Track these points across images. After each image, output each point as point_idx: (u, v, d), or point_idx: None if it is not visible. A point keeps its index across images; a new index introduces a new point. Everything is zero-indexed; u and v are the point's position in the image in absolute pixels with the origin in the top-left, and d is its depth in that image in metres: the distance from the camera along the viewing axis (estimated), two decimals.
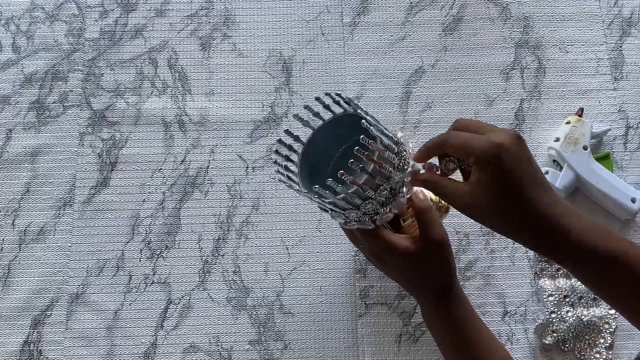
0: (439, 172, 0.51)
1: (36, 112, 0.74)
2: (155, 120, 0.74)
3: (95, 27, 0.77)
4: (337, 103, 0.51)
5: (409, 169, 0.50)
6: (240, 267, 0.69)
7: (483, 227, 0.69)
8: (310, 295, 0.69)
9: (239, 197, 0.72)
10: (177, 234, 0.70)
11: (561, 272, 0.68)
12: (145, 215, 0.71)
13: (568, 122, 0.70)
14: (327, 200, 0.49)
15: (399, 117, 0.74)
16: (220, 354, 0.67)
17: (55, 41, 0.77)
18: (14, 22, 0.78)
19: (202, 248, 0.70)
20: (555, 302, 0.67)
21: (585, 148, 0.69)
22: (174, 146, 0.73)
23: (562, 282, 0.67)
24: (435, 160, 0.52)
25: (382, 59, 0.76)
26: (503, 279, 0.69)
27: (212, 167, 0.73)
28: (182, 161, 0.73)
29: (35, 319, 0.68)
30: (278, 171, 0.52)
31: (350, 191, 0.48)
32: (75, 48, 0.77)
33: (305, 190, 0.51)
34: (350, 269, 0.69)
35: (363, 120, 0.47)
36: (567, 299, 0.67)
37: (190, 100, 0.75)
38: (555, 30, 0.77)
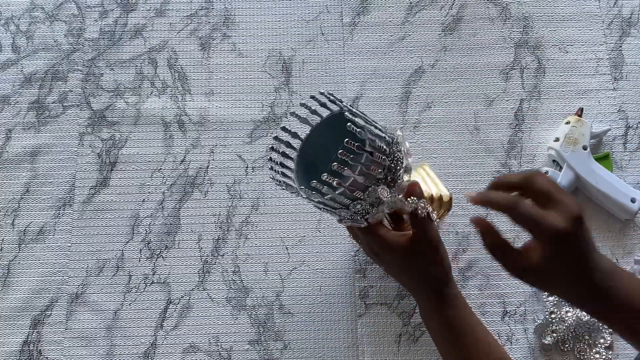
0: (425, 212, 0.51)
1: (36, 112, 0.74)
2: (155, 120, 0.74)
3: (95, 27, 0.77)
4: (333, 102, 0.51)
5: (401, 180, 0.50)
6: (240, 267, 0.69)
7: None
8: (310, 295, 0.69)
9: (238, 197, 0.72)
10: (176, 234, 0.70)
11: None
12: (145, 215, 0.71)
13: (568, 122, 0.70)
14: (316, 200, 0.50)
15: (398, 117, 0.74)
16: (220, 354, 0.67)
17: (55, 41, 0.77)
18: (13, 22, 0.78)
19: (201, 248, 0.70)
20: (555, 302, 0.67)
21: (585, 148, 0.69)
22: (173, 146, 0.73)
23: None
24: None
25: (382, 59, 0.76)
26: (503, 279, 0.69)
27: (212, 167, 0.73)
28: (182, 161, 0.73)
29: (35, 319, 0.68)
30: (272, 168, 0.52)
31: (337, 192, 0.48)
32: (75, 48, 0.77)
33: (296, 188, 0.51)
34: (350, 269, 0.69)
35: (349, 123, 0.47)
36: None
37: (190, 100, 0.75)
38: (555, 30, 0.77)
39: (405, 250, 0.52)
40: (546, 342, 0.66)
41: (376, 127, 0.51)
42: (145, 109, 0.74)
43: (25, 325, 0.67)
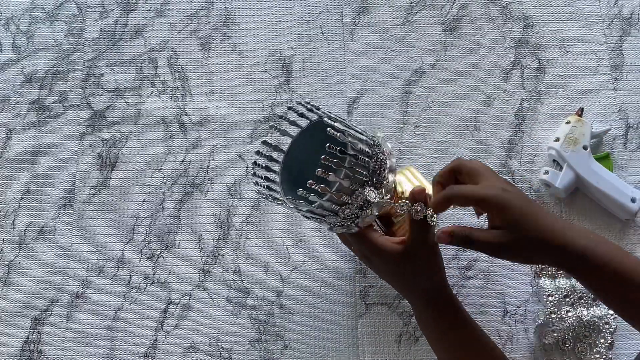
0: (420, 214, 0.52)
1: (36, 112, 0.74)
2: (155, 120, 0.74)
3: (95, 27, 0.77)
4: (311, 110, 0.51)
5: (388, 181, 0.51)
6: (240, 267, 0.69)
7: (483, 227, 0.69)
8: (310, 295, 0.69)
9: (238, 197, 0.72)
10: (177, 234, 0.70)
11: (561, 272, 0.68)
12: (145, 215, 0.71)
13: (568, 122, 0.70)
14: (304, 209, 0.49)
15: (398, 117, 0.74)
16: (220, 354, 0.67)
17: (55, 41, 0.77)
18: (14, 22, 0.78)
19: (202, 248, 0.70)
20: (555, 302, 0.67)
21: (585, 148, 0.69)
22: (174, 146, 0.73)
23: (562, 282, 0.67)
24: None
25: (382, 59, 0.76)
26: (503, 279, 0.69)
27: (212, 167, 0.73)
28: (182, 161, 0.73)
29: (35, 319, 0.68)
30: (257, 183, 0.52)
31: (324, 199, 0.48)
32: (75, 48, 0.77)
33: (282, 200, 0.51)
34: (350, 269, 0.69)
35: (329, 128, 0.47)
36: (567, 299, 0.67)
37: (190, 100, 0.75)
38: (555, 30, 0.77)
39: (398, 255, 0.52)
40: (546, 342, 0.66)
41: (356, 131, 0.51)
42: (145, 109, 0.74)
43: (25, 325, 0.68)
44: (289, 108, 0.52)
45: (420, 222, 0.52)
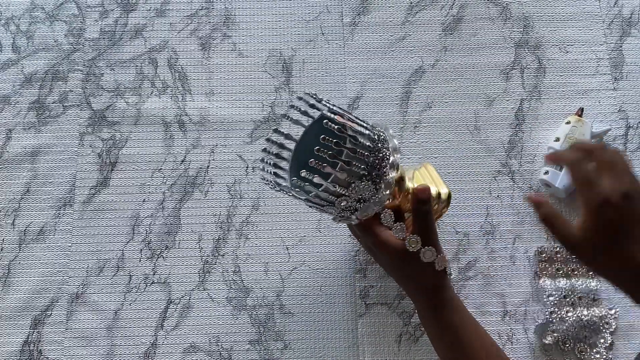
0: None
1: (36, 112, 0.74)
2: (155, 120, 0.74)
3: (95, 27, 0.77)
4: (320, 101, 0.52)
5: (389, 178, 0.51)
6: (240, 267, 0.69)
7: (483, 227, 0.70)
8: (310, 295, 0.69)
9: (239, 197, 0.72)
10: (177, 234, 0.70)
11: (561, 272, 0.68)
12: (145, 215, 0.71)
13: (568, 122, 0.70)
14: (302, 197, 0.50)
15: (399, 117, 0.74)
16: (220, 354, 0.67)
17: (55, 41, 0.77)
18: (14, 22, 0.78)
19: (202, 248, 0.70)
20: (555, 302, 0.67)
21: None
22: (174, 146, 0.73)
23: (562, 282, 0.67)
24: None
25: (382, 59, 0.76)
26: (503, 279, 0.69)
27: (212, 167, 0.73)
28: (182, 161, 0.73)
29: (35, 319, 0.68)
30: (263, 168, 0.52)
31: (320, 189, 0.48)
32: (75, 48, 0.77)
33: (287, 185, 0.51)
34: (350, 269, 0.69)
35: (325, 120, 0.47)
36: (567, 299, 0.67)
37: (190, 100, 0.75)
38: (555, 30, 0.77)
39: (401, 251, 0.52)
40: (546, 342, 0.66)
41: (360, 125, 0.51)
42: (145, 109, 0.74)
43: (25, 325, 0.68)
44: (299, 98, 0.52)
45: (424, 220, 0.53)
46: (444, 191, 0.63)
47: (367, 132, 0.51)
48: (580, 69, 0.76)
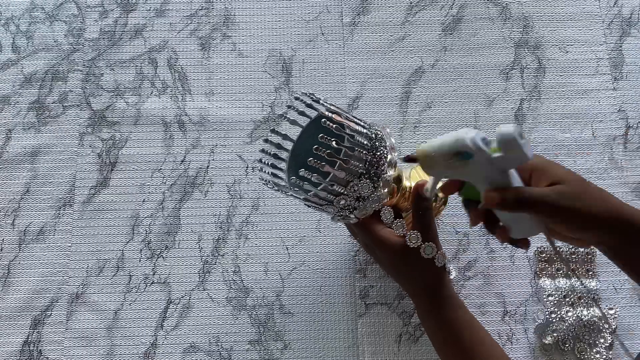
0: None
1: (36, 112, 0.74)
2: (155, 120, 0.74)
3: (95, 27, 0.77)
4: (317, 101, 0.52)
5: (386, 175, 0.51)
6: (240, 267, 0.69)
7: (482, 226, 0.70)
8: (310, 295, 0.69)
9: (238, 197, 0.72)
10: (177, 234, 0.70)
11: (561, 272, 0.68)
12: (145, 215, 0.71)
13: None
14: (301, 197, 0.50)
15: (398, 117, 0.74)
16: (220, 354, 0.67)
17: (55, 41, 0.77)
18: (14, 22, 0.78)
19: (202, 248, 0.70)
20: (555, 302, 0.67)
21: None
22: (173, 146, 0.73)
23: (562, 282, 0.68)
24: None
25: (382, 59, 0.76)
26: (503, 279, 0.69)
27: (212, 167, 0.73)
28: (182, 161, 0.73)
29: (36, 319, 0.68)
30: (261, 169, 0.53)
31: (319, 188, 0.48)
32: (75, 48, 0.77)
33: (285, 184, 0.51)
34: (350, 269, 0.69)
35: (323, 119, 0.48)
36: (567, 299, 0.67)
37: (190, 100, 0.75)
38: (555, 30, 0.77)
39: (399, 249, 0.53)
40: (546, 342, 0.66)
41: (357, 124, 0.51)
42: (145, 109, 0.74)
43: (25, 325, 0.68)
44: (296, 99, 0.52)
45: (422, 218, 0.53)
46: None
47: (364, 130, 0.51)
48: (580, 69, 0.76)
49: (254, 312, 0.68)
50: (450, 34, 0.77)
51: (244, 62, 0.76)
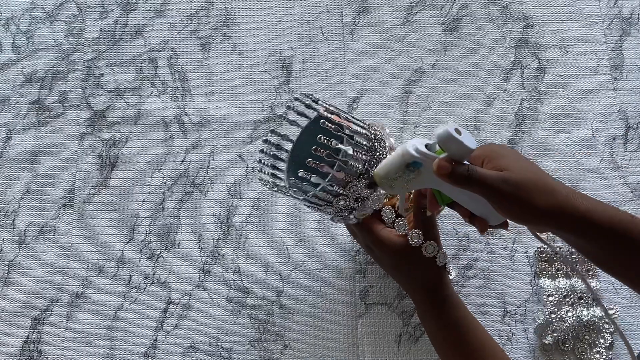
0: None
1: (36, 112, 0.74)
2: (155, 120, 0.74)
3: (95, 27, 0.77)
4: (316, 102, 0.52)
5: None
6: (240, 267, 0.69)
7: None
8: (310, 295, 0.69)
9: (238, 197, 0.72)
10: (177, 234, 0.70)
11: (561, 272, 0.68)
12: (145, 216, 0.71)
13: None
14: (300, 197, 0.50)
15: (398, 117, 0.74)
16: (220, 354, 0.67)
17: (55, 41, 0.77)
18: (14, 22, 0.78)
19: (202, 248, 0.70)
20: (555, 302, 0.67)
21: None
22: (173, 146, 0.73)
23: (562, 282, 0.68)
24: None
25: (382, 59, 0.76)
26: (503, 279, 0.69)
27: (212, 167, 0.73)
28: (182, 161, 0.73)
29: (36, 319, 0.68)
30: (261, 170, 0.53)
31: (318, 189, 0.48)
32: (75, 48, 0.77)
33: (285, 185, 0.51)
34: (350, 269, 0.69)
35: (322, 120, 0.48)
36: (567, 299, 0.67)
37: (190, 101, 0.75)
38: (555, 30, 0.77)
39: (399, 249, 0.53)
40: (546, 342, 0.66)
41: (356, 124, 0.51)
42: (145, 109, 0.74)
43: (25, 325, 0.67)
44: (296, 99, 0.52)
45: (424, 217, 0.53)
46: None
47: (363, 131, 0.51)
48: (580, 69, 0.76)
49: (254, 312, 0.68)
50: (451, 34, 0.77)
51: (244, 62, 0.76)
